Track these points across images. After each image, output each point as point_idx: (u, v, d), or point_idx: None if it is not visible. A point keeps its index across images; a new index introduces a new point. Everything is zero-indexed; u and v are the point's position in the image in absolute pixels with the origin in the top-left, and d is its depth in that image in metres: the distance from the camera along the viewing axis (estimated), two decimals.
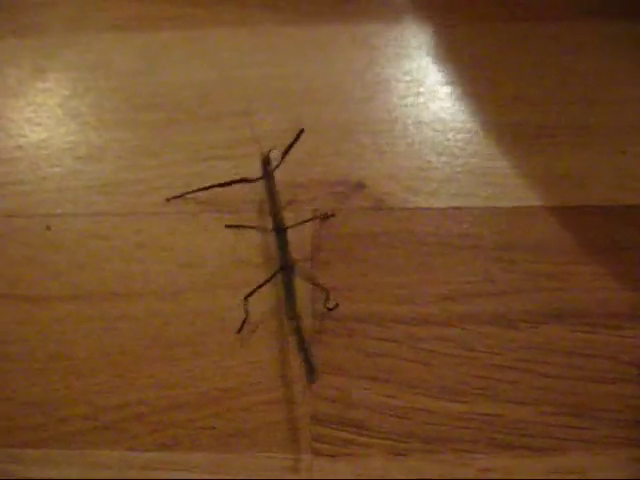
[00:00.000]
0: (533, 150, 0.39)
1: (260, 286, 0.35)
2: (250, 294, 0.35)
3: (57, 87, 0.42)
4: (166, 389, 0.35)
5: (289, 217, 0.36)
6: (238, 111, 0.41)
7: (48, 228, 0.39)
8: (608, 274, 0.36)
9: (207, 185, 0.36)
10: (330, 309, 0.36)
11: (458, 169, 0.39)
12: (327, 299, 0.35)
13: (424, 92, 0.41)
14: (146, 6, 0.44)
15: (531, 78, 0.41)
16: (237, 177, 0.35)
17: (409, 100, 0.41)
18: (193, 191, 0.38)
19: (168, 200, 0.39)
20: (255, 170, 0.36)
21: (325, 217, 0.38)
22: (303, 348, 0.33)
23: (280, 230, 0.35)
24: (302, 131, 0.34)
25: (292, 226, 0.36)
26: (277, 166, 0.35)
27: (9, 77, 0.43)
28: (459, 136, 0.40)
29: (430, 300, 0.36)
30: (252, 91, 0.41)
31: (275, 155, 0.35)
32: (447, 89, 0.41)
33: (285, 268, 0.35)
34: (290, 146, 0.35)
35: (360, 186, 0.39)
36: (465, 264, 0.37)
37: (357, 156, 0.39)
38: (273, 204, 0.35)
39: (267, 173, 0.35)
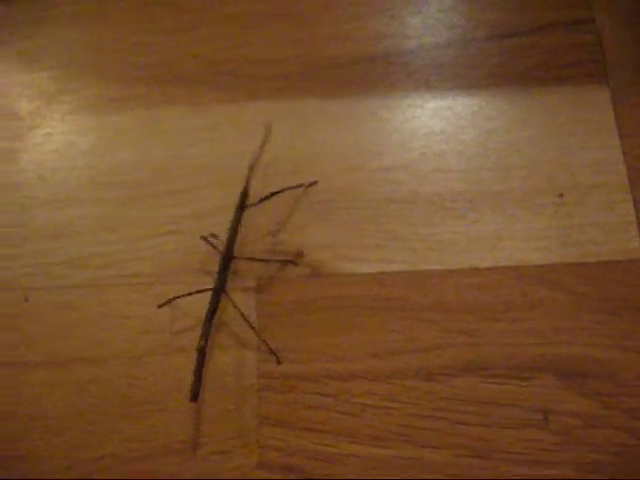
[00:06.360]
0: (452, 215, 0.44)
1: (190, 294, 0.41)
2: (171, 300, 0.42)
3: (26, 169, 0.47)
4: (133, 443, 0.41)
5: (234, 287, 0.42)
6: (183, 188, 0.46)
7: (26, 300, 0.44)
8: (516, 330, 0.41)
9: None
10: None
11: (385, 236, 0.44)
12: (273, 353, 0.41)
13: (354, 165, 0.46)
14: (103, 87, 0.49)
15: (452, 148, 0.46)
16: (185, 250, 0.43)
17: (340, 171, 0.46)
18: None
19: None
20: (199, 245, 0.43)
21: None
22: (199, 369, 0.39)
23: (227, 257, 0.41)
24: (299, 186, 0.43)
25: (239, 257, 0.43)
26: (252, 204, 0.42)
27: None
28: (391, 205, 0.44)
29: (360, 358, 0.41)
30: (197, 169, 0.46)
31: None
32: (377, 161, 0.46)
33: (217, 291, 0.41)
34: (272, 194, 0.42)
35: (299, 255, 0.43)
36: (391, 324, 0.42)
37: (296, 225, 0.44)
38: (232, 233, 0.41)
39: (242, 205, 0.42)
